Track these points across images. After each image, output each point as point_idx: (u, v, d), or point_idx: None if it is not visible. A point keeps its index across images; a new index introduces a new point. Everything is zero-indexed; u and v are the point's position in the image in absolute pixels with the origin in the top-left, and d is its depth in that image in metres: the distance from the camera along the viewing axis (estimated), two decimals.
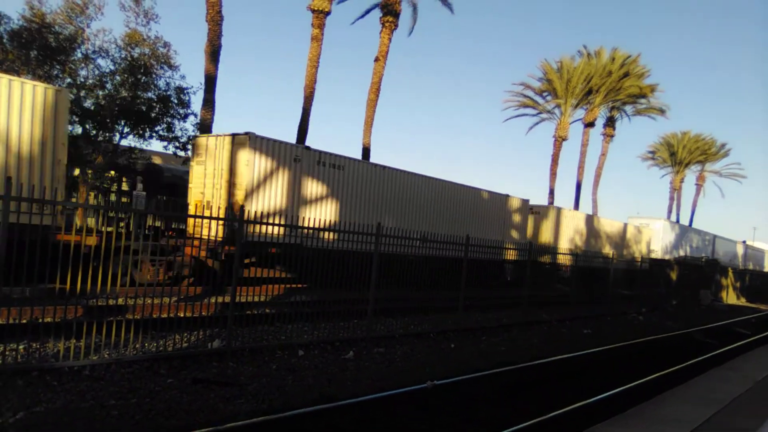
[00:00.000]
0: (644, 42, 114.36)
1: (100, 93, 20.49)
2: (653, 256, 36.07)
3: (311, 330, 10.64)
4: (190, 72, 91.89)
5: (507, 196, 25.14)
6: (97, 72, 20.71)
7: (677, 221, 57.09)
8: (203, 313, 10.46)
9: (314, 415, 6.46)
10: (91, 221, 18.87)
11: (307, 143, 24.74)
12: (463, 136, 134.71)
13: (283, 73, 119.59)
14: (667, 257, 38.21)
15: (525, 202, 26.52)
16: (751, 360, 11.70)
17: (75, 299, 9.12)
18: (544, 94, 42.37)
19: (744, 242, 60.66)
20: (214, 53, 22.59)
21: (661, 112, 46.14)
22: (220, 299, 11.71)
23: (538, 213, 28.80)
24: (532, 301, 17.14)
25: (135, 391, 6.83)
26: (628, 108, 46.32)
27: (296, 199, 16.41)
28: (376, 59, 29.05)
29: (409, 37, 41.22)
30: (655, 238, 38.71)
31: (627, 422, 6.19)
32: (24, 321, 8.47)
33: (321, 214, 16.78)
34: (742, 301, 40.00)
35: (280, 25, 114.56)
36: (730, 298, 38.71)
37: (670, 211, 62.59)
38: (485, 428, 6.67)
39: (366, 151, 28.52)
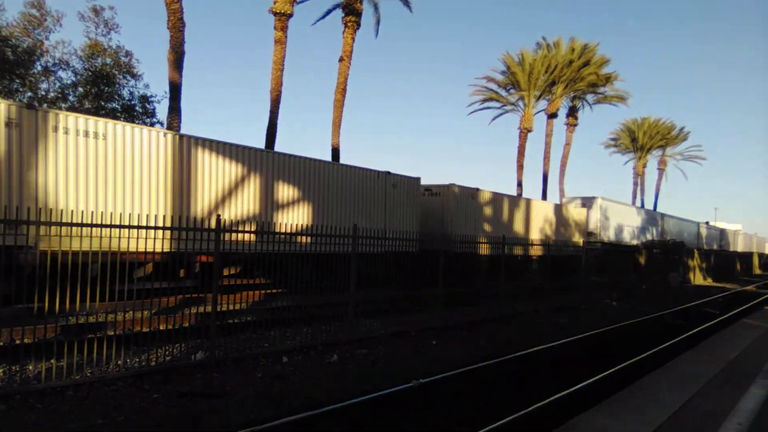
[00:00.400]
0: (604, 34, 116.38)
1: (63, 106, 20.10)
2: (594, 239, 34.28)
3: (293, 335, 10.64)
4: (154, 81, 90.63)
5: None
6: (58, 84, 20.34)
7: (642, 206, 58.41)
8: (184, 325, 10.37)
9: (304, 421, 6.49)
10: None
11: (276, 147, 24.65)
12: (432, 133, 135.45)
13: (249, 78, 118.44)
14: (635, 242, 38.98)
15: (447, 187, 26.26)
16: (721, 340, 12.08)
17: (52, 318, 9.00)
18: (508, 87, 42.89)
19: (707, 223, 62.34)
20: (177, 60, 22.32)
21: (622, 99, 47.25)
22: (199, 310, 11.63)
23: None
24: (508, 294, 17.39)
25: (120, 408, 6.77)
26: (590, 97, 47.33)
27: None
28: (341, 59, 29.06)
29: (377, 38, 41.04)
30: (593, 219, 36.09)
31: (610, 409, 6.37)
32: (1, 343, 8.30)
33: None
34: (709, 281, 41.12)
35: (243, 30, 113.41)
36: (698, 278, 39.76)
37: (634, 197, 64.09)
38: (473, 423, 6.77)
39: (335, 152, 28.51)
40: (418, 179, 22.19)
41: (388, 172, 20.34)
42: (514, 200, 28.84)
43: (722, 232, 67.08)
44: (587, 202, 36.82)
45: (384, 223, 19.57)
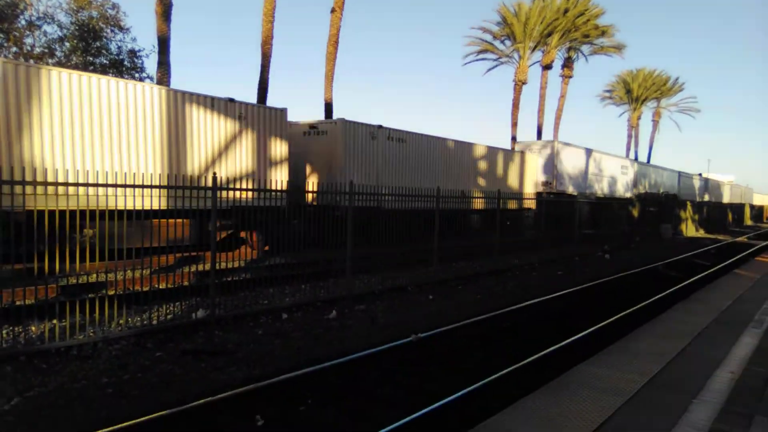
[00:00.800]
0: None
1: (50, 61, 19.68)
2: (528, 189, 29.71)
3: (292, 292, 10.74)
4: (141, 34, 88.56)
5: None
6: (44, 39, 19.87)
7: (635, 158, 58.36)
8: (184, 284, 10.44)
9: (307, 376, 6.61)
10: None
11: (268, 102, 24.31)
12: (427, 88, 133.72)
13: (239, 31, 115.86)
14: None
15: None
16: (714, 290, 12.28)
17: (51, 278, 9.05)
18: (503, 38, 42.23)
19: (700, 174, 62.48)
20: (165, 12, 21.76)
21: (617, 50, 46.54)
22: (197, 268, 11.69)
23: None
24: (503, 249, 17.52)
25: (125, 367, 6.87)
26: (585, 48, 46.62)
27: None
28: (333, 10, 28.37)
29: None
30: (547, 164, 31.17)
31: (607, 359, 6.51)
32: (4, 305, 8.33)
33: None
34: (701, 233, 41.52)
35: None
36: (690, 230, 40.12)
37: (628, 149, 63.96)
38: (471, 376, 6.92)
39: (328, 107, 28.15)
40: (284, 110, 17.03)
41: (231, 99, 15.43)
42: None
43: (707, 182, 67.04)
44: (545, 147, 31.82)
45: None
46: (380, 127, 19.81)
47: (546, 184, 30.98)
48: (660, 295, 12.67)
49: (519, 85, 41.22)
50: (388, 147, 20.15)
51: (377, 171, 19.60)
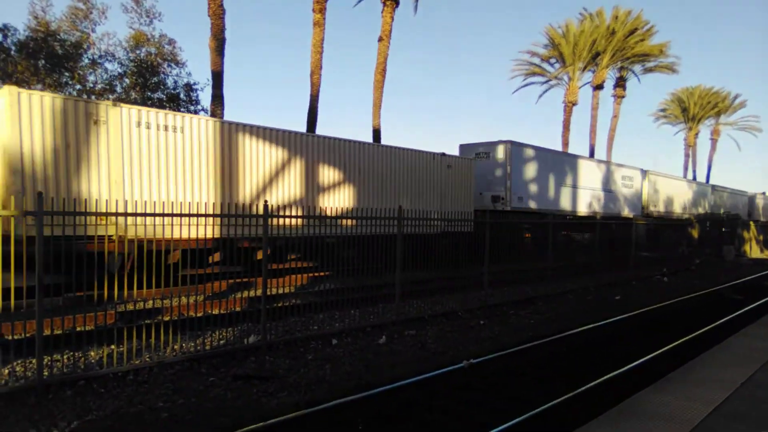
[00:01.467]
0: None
1: (110, 97, 20.60)
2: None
3: (342, 318, 10.75)
4: (196, 67, 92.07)
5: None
6: (105, 76, 20.85)
7: (694, 178, 56.52)
8: (236, 309, 10.60)
9: (357, 403, 6.56)
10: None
11: (317, 130, 24.73)
12: (472, 111, 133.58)
13: (289, 62, 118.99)
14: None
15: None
16: None
17: (109, 305, 9.33)
18: (551, 60, 41.96)
19: (764, 193, 59.89)
20: (218, 47, 22.57)
21: (671, 68, 45.48)
22: (249, 294, 11.86)
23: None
24: (556, 273, 17.13)
25: (180, 391, 6.97)
26: (637, 68, 45.75)
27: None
28: (380, 39, 28.84)
29: (415, 15, 40.54)
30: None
31: (669, 387, 6.22)
32: (65, 331, 8.63)
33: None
34: (767, 254, 39.67)
35: (283, 13, 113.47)
36: (754, 251, 38.40)
37: (686, 168, 62.10)
38: (525, 403, 6.73)
39: (376, 133, 28.45)
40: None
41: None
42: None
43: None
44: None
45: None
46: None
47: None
48: (724, 319, 12.10)
49: (569, 106, 40.77)
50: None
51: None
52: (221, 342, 9.02)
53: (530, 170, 24.41)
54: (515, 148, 23.59)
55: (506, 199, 22.95)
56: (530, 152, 24.65)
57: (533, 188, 24.65)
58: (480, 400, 6.95)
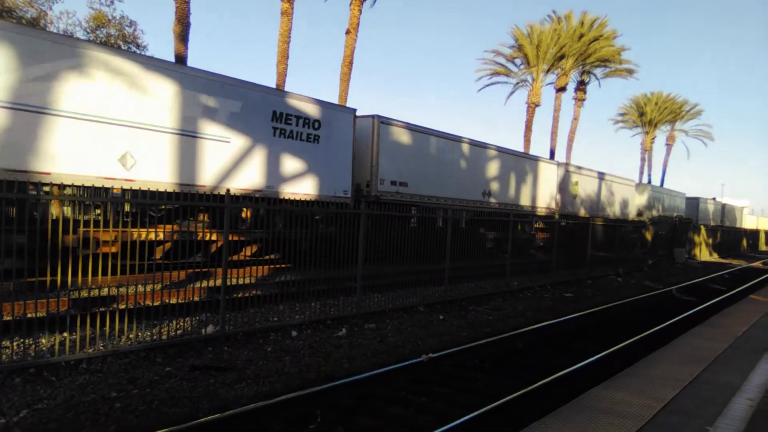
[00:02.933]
0: (615, 8, 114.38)
1: None
2: None
3: (302, 310, 10.69)
4: (159, 53, 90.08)
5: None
6: None
7: (649, 182, 58.08)
8: (194, 299, 10.43)
9: (316, 395, 6.54)
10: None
11: None
12: (437, 109, 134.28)
13: (255, 52, 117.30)
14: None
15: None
16: (729, 315, 12.07)
17: (63, 292, 9.08)
18: (516, 60, 42.46)
19: (714, 199, 61.93)
20: (183, 32, 22.12)
21: (630, 72, 46.62)
22: (207, 284, 11.69)
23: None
24: (514, 270, 17.38)
25: (134, 381, 6.84)
26: (599, 71, 46.73)
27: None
28: (348, 32, 28.69)
29: (372, 7, 40.47)
30: None
31: (621, 384, 6.39)
32: (16, 317, 8.35)
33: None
34: (715, 257, 41.06)
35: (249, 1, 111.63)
36: (703, 254, 39.69)
37: (641, 172, 63.71)
38: (482, 397, 6.83)
39: None
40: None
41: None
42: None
43: (723, 207, 66.21)
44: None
45: None
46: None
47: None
48: (674, 319, 12.49)
49: (532, 107, 41.37)
50: None
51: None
52: (178, 332, 8.87)
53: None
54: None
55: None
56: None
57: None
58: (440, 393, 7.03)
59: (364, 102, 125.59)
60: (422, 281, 13.58)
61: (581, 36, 41.24)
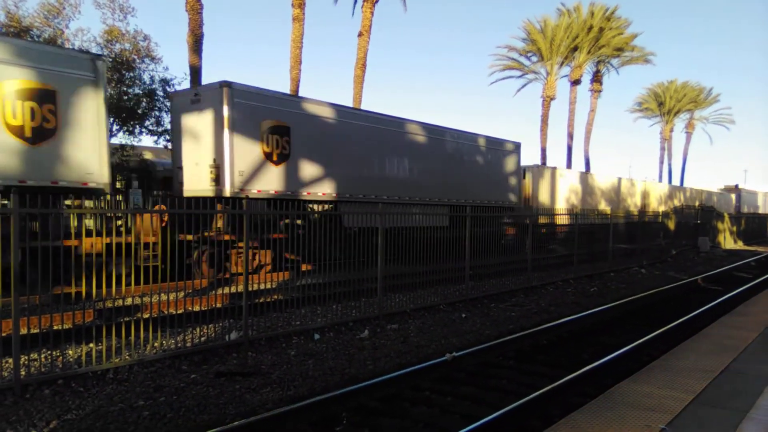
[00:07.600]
0: None
1: None
2: None
3: (324, 312, 10.71)
4: (174, 64, 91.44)
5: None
6: None
7: (669, 170, 57.36)
8: (217, 306, 10.50)
9: (341, 397, 6.53)
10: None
11: None
12: (451, 106, 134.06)
13: (268, 57, 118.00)
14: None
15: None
16: (757, 303, 11.85)
17: (88, 303, 9.18)
18: (529, 54, 42.22)
19: (736, 186, 61.01)
20: (196, 43, 22.32)
21: (646, 60, 46.13)
22: (230, 290, 11.76)
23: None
24: (535, 266, 17.23)
25: (161, 389, 6.89)
26: (614, 61, 46.27)
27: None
28: (360, 34, 28.77)
29: (391, 10, 40.54)
30: None
31: (650, 377, 6.29)
32: (43, 330, 8.47)
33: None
34: (740, 245, 40.38)
35: (261, 8, 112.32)
36: (728, 242, 39.05)
37: (661, 161, 63.02)
38: (508, 395, 6.78)
39: None
40: None
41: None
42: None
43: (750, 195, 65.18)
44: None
45: None
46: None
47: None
48: (702, 309, 12.28)
49: (547, 100, 41.09)
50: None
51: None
52: (202, 339, 8.94)
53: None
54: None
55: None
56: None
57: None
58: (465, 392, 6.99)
59: (375, 102, 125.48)
60: (443, 280, 13.54)
61: (591, 28, 40.86)
